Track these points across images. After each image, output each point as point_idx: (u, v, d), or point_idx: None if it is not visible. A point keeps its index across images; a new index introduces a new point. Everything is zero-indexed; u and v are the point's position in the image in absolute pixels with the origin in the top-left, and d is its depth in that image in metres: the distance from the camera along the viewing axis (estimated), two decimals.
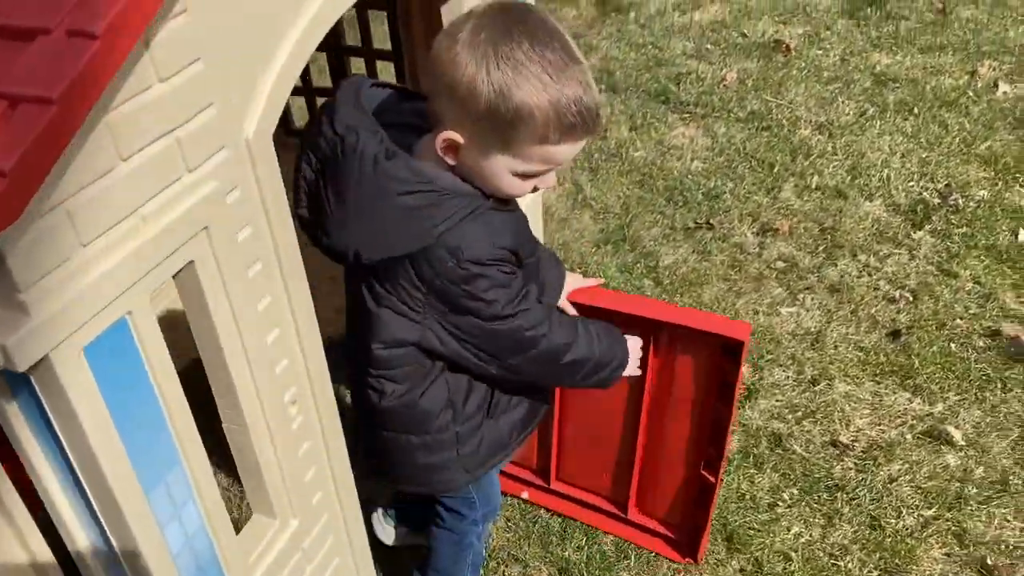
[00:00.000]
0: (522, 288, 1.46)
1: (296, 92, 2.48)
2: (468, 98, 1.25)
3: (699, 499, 2.13)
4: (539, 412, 1.79)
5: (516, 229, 1.45)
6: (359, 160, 1.32)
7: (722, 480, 2.21)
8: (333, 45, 2.31)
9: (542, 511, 2.35)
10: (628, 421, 2.13)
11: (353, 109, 1.38)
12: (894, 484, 2.33)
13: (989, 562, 2.13)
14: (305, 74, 2.46)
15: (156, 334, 1.14)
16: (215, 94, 1.15)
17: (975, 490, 2.29)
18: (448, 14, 1.76)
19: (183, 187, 1.13)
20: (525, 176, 1.35)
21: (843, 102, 3.82)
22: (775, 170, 3.46)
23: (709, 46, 4.36)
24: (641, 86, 4.08)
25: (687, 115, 3.86)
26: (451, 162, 1.35)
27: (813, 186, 3.36)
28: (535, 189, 1.42)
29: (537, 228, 2.44)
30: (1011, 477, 2.31)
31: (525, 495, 2.38)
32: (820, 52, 4.21)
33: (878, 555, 2.17)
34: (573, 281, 1.91)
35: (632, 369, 1.77)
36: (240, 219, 1.24)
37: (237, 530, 1.43)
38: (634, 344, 1.78)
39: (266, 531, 1.47)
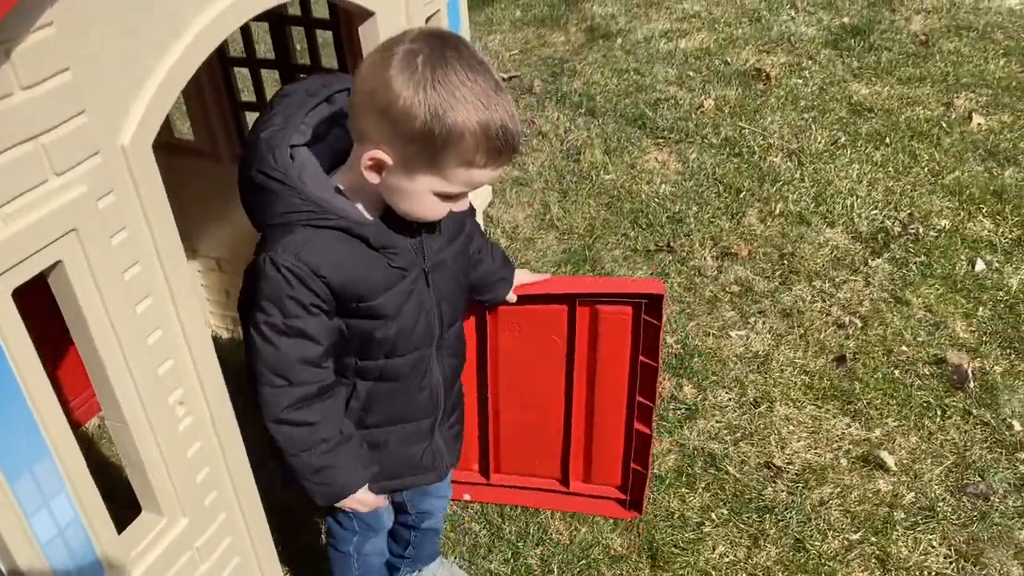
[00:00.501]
0: (300, 329, 1.41)
1: (251, 108, 2.56)
2: (402, 119, 1.27)
3: (636, 453, 2.25)
4: (392, 475, 1.72)
5: (354, 261, 1.42)
6: (255, 133, 1.44)
7: (652, 441, 2.24)
8: (283, 63, 2.38)
9: (474, 524, 2.37)
10: (563, 396, 2.23)
11: (295, 95, 1.47)
12: (823, 507, 2.33)
13: None
14: (259, 90, 2.53)
15: (18, 328, 1.18)
16: (86, 102, 1.21)
17: (903, 515, 2.29)
18: (366, 41, 1.81)
19: (49, 190, 1.19)
20: (446, 197, 1.39)
21: (816, 130, 3.84)
22: (741, 195, 3.48)
23: (691, 73, 4.40)
24: (619, 111, 4.12)
25: (661, 140, 3.90)
26: (374, 180, 1.37)
27: (777, 212, 3.38)
28: (450, 213, 1.46)
29: None
30: (940, 504, 2.31)
31: (467, 496, 2.42)
32: (800, 81, 4.24)
33: None
34: (523, 276, 2.02)
35: (349, 505, 1.63)
36: (114, 223, 1.29)
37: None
38: (366, 496, 1.63)
39: (151, 528, 1.51)
